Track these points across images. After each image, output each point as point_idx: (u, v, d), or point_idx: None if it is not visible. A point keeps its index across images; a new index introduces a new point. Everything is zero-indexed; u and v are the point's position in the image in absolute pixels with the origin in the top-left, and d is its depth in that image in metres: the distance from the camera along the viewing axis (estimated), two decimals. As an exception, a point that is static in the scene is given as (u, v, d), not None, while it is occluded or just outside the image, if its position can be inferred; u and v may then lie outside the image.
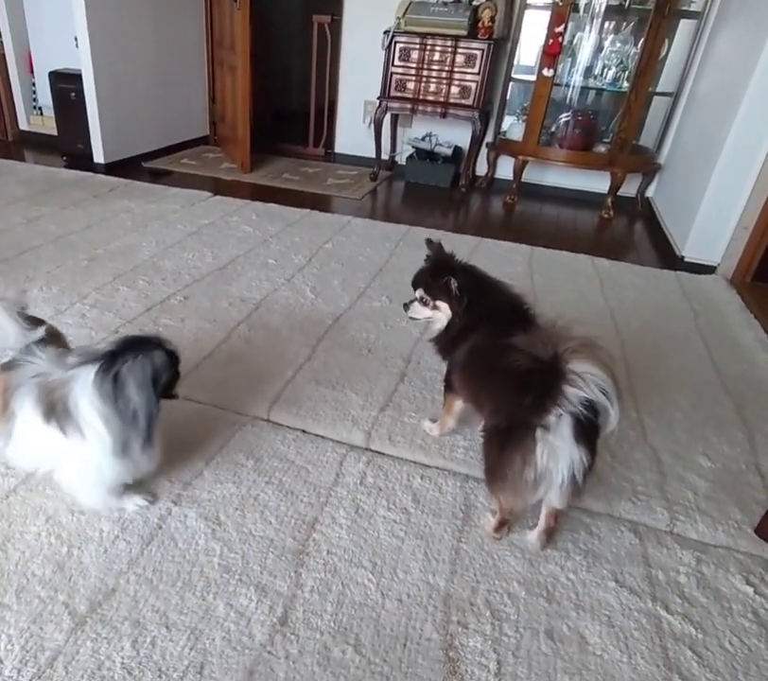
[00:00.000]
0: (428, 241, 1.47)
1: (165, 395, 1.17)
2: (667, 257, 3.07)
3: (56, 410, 1.10)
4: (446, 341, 1.43)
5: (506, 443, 1.15)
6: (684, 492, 1.44)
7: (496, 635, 1.08)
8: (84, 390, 1.07)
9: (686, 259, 2.94)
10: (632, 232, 3.61)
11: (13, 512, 1.26)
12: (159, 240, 2.74)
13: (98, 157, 3.82)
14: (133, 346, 1.10)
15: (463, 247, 2.94)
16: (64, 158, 3.95)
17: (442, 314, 1.42)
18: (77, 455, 1.14)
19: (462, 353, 1.38)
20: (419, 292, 1.44)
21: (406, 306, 1.48)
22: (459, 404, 1.50)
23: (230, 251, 2.70)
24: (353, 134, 4.42)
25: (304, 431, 1.58)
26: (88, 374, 1.07)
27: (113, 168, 3.81)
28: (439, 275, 1.38)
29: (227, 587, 1.13)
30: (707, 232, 2.86)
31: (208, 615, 1.08)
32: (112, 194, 3.34)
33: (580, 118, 3.60)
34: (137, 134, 4.05)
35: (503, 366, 1.10)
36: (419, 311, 1.45)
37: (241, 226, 3.00)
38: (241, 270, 2.51)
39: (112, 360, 1.07)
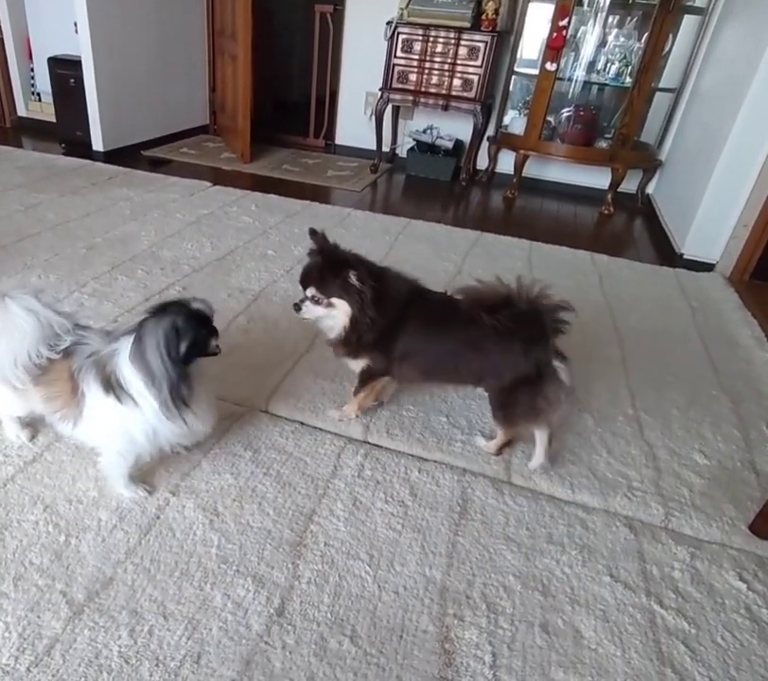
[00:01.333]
0: (312, 232, 1.36)
1: (201, 354, 1.18)
2: (666, 254, 3.08)
3: (110, 381, 1.15)
4: (358, 340, 1.35)
5: (532, 387, 1.32)
6: (679, 488, 1.45)
7: (491, 627, 1.09)
8: (124, 359, 1.13)
9: (685, 256, 2.95)
10: (631, 228, 3.60)
11: (11, 500, 1.26)
12: (158, 230, 2.73)
13: (97, 145, 3.79)
14: (156, 312, 1.14)
15: (463, 241, 2.94)
16: (63, 145, 3.91)
17: (338, 311, 1.33)
18: (134, 423, 1.17)
19: (409, 342, 1.37)
20: (310, 291, 1.34)
21: (297, 307, 1.37)
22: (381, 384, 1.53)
23: (229, 241, 2.68)
24: (354, 126, 4.39)
25: (302, 423, 1.58)
26: (127, 343, 1.14)
27: (111, 156, 3.77)
28: (331, 271, 1.30)
29: (225, 578, 1.13)
30: (707, 229, 2.86)
31: (205, 605, 1.08)
32: (110, 182, 3.31)
33: (582, 113, 3.58)
34: (136, 122, 4.01)
35: (481, 334, 1.29)
36: (312, 311, 1.36)
37: (241, 217, 2.99)
38: (240, 260, 2.50)
39: (140, 328, 1.13)
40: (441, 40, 3.61)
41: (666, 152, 3.77)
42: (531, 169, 3.87)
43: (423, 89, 3.77)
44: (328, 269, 1.31)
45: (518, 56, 3.74)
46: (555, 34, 3.35)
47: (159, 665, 0.98)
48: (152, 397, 1.13)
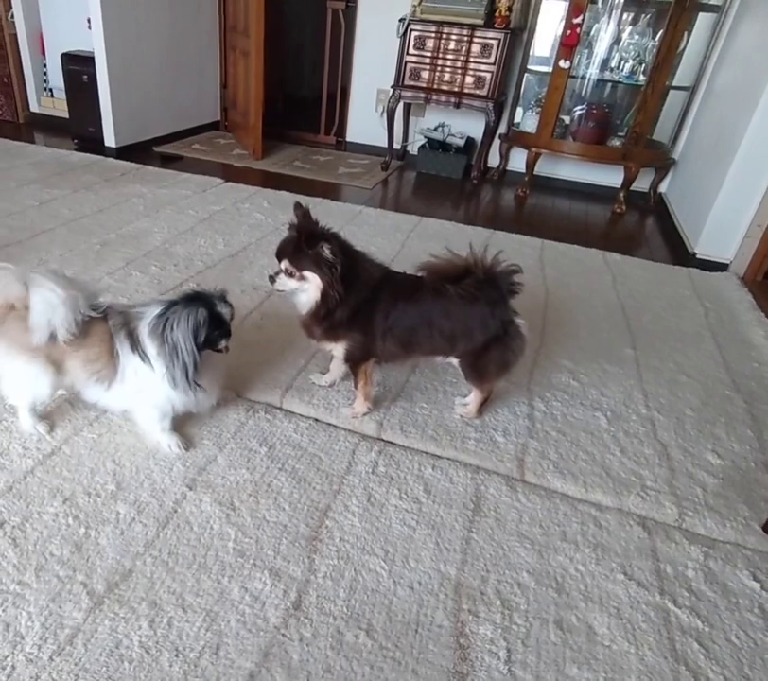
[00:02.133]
0: (297, 206, 1.39)
1: (210, 347, 1.32)
2: (679, 253, 3.06)
3: (134, 339, 1.29)
4: (335, 318, 1.40)
5: (502, 344, 1.44)
6: (693, 488, 1.45)
7: (506, 623, 1.10)
8: (144, 325, 1.28)
9: (698, 256, 2.93)
10: (644, 227, 3.59)
11: (31, 492, 1.28)
12: (171, 226, 2.74)
13: (109, 140, 3.80)
14: (189, 299, 1.28)
15: (474, 239, 2.93)
16: (75, 141, 3.93)
17: (310, 285, 1.37)
18: (154, 384, 1.30)
19: (385, 318, 1.43)
20: (284, 264, 1.38)
21: (271, 279, 1.42)
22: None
23: (242, 238, 2.69)
24: (365, 123, 4.39)
25: (316, 420, 1.59)
26: (150, 313, 1.28)
27: (123, 152, 3.79)
28: (307, 244, 1.32)
29: (242, 571, 1.15)
30: (721, 229, 2.84)
31: (223, 597, 1.10)
32: (123, 178, 3.33)
33: (595, 111, 3.57)
34: (148, 118, 4.03)
35: (449, 303, 1.38)
36: (285, 283, 1.40)
37: (253, 213, 3.00)
38: (253, 257, 2.51)
39: (168, 307, 1.27)
40: (453, 37, 3.60)
41: (679, 151, 3.75)
42: (542, 167, 3.85)
43: (435, 86, 3.76)
44: (304, 242, 1.34)
45: (531, 53, 3.73)
46: (569, 32, 3.33)
47: (178, 655, 1.00)
48: (163, 366, 1.27)
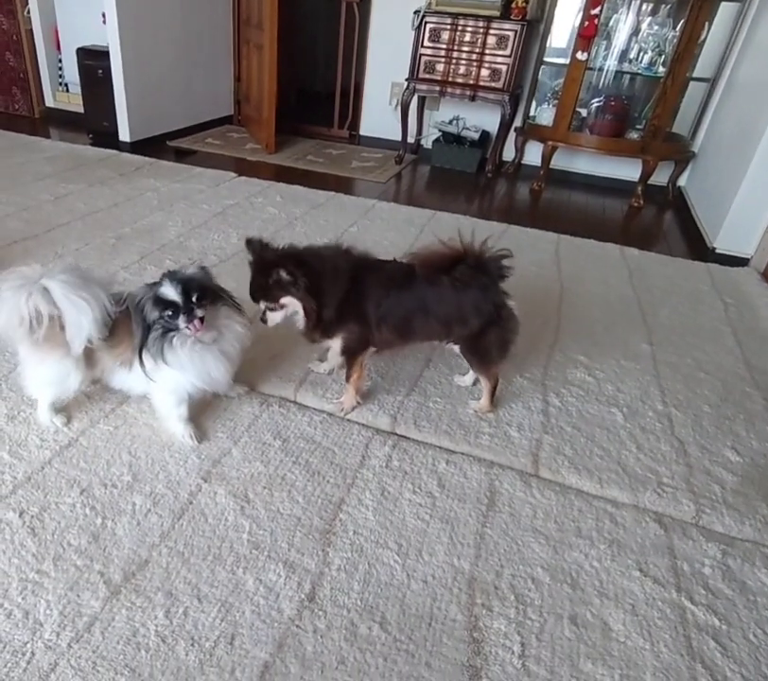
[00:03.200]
0: (247, 242, 1.41)
1: (169, 327, 1.28)
2: (698, 248, 3.02)
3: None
4: (324, 320, 1.42)
5: (497, 327, 1.47)
6: (711, 485, 1.43)
7: (520, 618, 1.09)
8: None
9: (717, 251, 2.88)
10: (662, 221, 3.54)
11: (48, 483, 1.29)
12: (185, 220, 2.75)
13: (124, 135, 3.82)
14: (153, 282, 1.30)
15: (489, 233, 2.89)
16: (90, 135, 3.96)
17: (292, 308, 1.41)
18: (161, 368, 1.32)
19: (377, 307, 1.44)
20: (262, 304, 1.43)
21: (263, 320, 1.46)
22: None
23: (255, 232, 2.69)
24: (378, 117, 4.36)
25: (330, 414, 1.59)
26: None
27: (138, 147, 3.81)
28: (265, 277, 1.36)
29: (256, 563, 1.15)
30: (741, 223, 2.79)
31: (238, 589, 1.10)
32: (137, 173, 3.35)
33: (612, 104, 3.51)
34: (162, 113, 4.04)
35: (442, 290, 1.41)
36: (274, 318, 1.45)
37: (266, 207, 3.00)
38: (266, 251, 2.51)
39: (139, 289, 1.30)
40: (469, 29, 3.56)
41: (699, 144, 3.68)
42: (558, 161, 3.81)
43: (450, 79, 3.73)
44: (263, 276, 1.38)
45: (548, 45, 3.68)
46: (587, 23, 3.28)
47: (194, 644, 1.00)
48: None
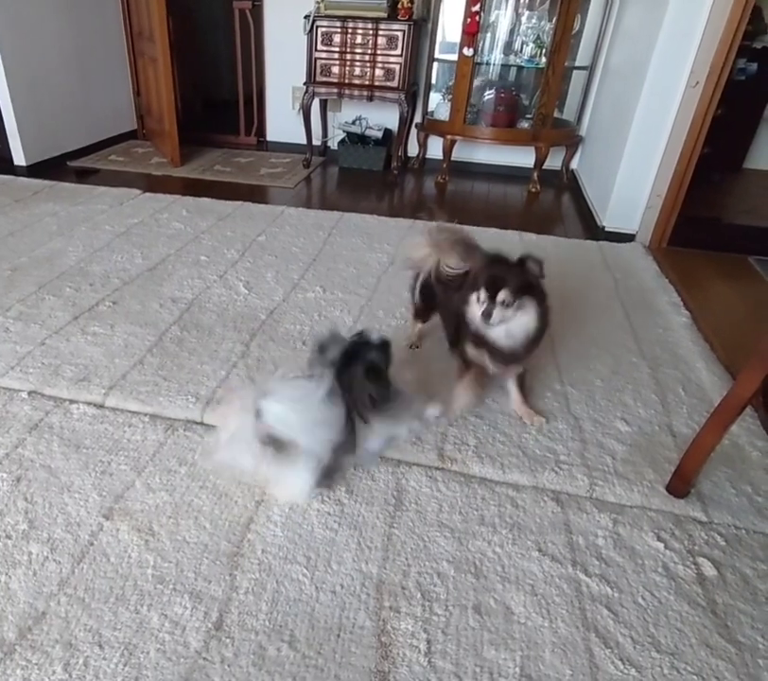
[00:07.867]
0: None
1: None
2: (590, 228, 3.16)
3: None
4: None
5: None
6: (603, 457, 1.51)
7: (426, 615, 1.13)
8: None
9: (606, 229, 3.03)
10: (559, 204, 3.68)
11: (-64, 542, 1.23)
12: (86, 244, 2.66)
13: (19, 159, 3.64)
14: None
15: (396, 230, 2.94)
16: (-21, 162, 3.75)
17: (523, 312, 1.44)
18: None
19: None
20: (502, 294, 1.39)
21: (487, 315, 1.40)
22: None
23: (160, 250, 2.63)
24: (284, 121, 4.34)
25: (236, 433, 1.57)
26: None
27: (35, 170, 3.64)
28: (516, 269, 1.41)
29: (161, 598, 1.14)
30: (625, 201, 2.94)
31: (142, 628, 1.08)
32: (35, 197, 3.20)
33: (503, 95, 3.62)
34: (60, 132, 3.87)
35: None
36: (507, 315, 1.41)
37: (172, 223, 2.93)
38: (172, 269, 2.46)
39: None
40: (359, 31, 3.58)
41: (585, 128, 3.85)
42: (459, 153, 3.89)
43: (346, 81, 3.74)
44: (510, 268, 1.41)
45: (439, 42, 3.75)
46: (469, 20, 3.36)
47: (96, 692, 0.98)
48: None
